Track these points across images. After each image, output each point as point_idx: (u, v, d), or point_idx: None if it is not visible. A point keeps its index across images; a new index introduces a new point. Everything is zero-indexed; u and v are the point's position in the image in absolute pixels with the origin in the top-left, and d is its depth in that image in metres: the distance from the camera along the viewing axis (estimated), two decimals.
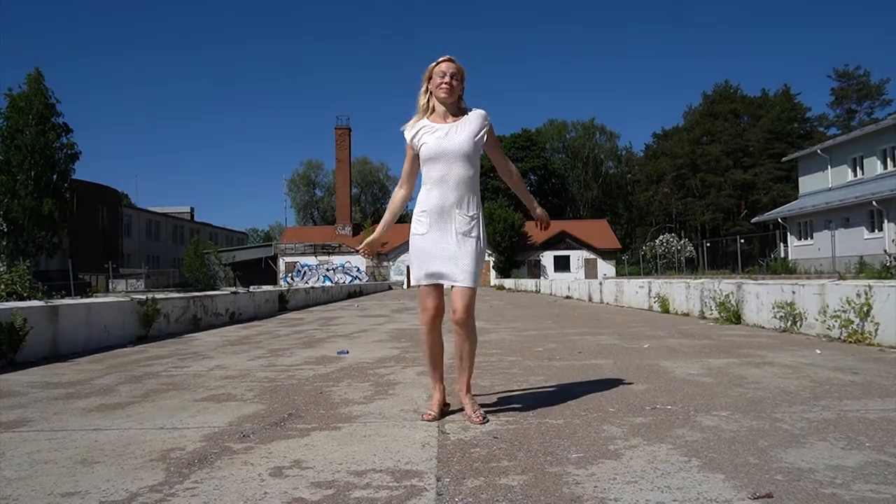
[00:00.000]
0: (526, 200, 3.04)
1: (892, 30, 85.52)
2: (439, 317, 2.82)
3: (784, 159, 36.87)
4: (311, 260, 50.77)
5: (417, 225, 2.81)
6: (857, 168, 27.03)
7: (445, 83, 2.74)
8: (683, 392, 3.38)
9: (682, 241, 44.09)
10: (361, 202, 76.45)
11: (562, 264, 49.31)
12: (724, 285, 8.25)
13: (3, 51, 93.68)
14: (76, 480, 2.06)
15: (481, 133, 2.77)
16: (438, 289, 2.79)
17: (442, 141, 2.74)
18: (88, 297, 14.01)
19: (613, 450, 2.30)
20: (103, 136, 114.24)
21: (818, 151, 29.43)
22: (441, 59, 2.80)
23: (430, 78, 2.81)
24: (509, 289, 32.73)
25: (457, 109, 2.83)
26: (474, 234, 2.75)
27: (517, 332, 7.34)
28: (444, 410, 2.92)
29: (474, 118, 2.79)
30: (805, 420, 2.69)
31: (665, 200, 60.80)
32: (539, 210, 3.02)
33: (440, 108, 2.81)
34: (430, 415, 2.83)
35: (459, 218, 2.73)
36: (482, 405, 3.11)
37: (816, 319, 6.09)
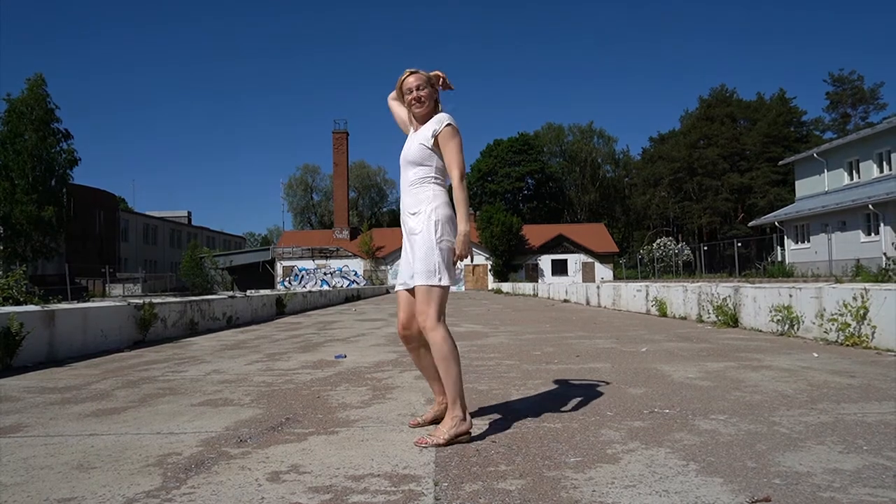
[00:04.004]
0: (457, 214, 2.65)
1: (885, 34, 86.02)
2: (410, 328, 2.71)
3: (781, 163, 36.95)
4: (308, 264, 50.70)
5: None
6: (854, 171, 27.13)
7: (414, 99, 2.73)
8: (681, 396, 3.38)
9: (679, 245, 44.12)
10: (359, 206, 76.34)
11: (559, 268, 49.32)
12: (722, 289, 8.26)
13: (3, 54, 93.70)
14: (72, 486, 2.05)
15: (431, 137, 2.67)
16: (406, 297, 2.71)
17: (403, 150, 2.78)
18: (85, 301, 13.98)
19: (611, 454, 2.30)
20: (101, 140, 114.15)
21: (814, 155, 29.52)
22: (404, 74, 2.77)
23: (402, 94, 2.80)
24: (507, 292, 32.73)
25: (431, 116, 2.79)
26: (419, 229, 2.62)
27: (515, 335, 7.34)
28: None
29: (430, 122, 2.72)
30: (803, 423, 2.69)
31: (662, 204, 60.93)
32: (459, 234, 2.61)
33: (415, 121, 2.81)
34: (415, 420, 2.81)
35: (411, 220, 2.68)
36: (481, 408, 3.11)
37: (813, 323, 6.10)
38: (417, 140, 2.71)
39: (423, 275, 2.57)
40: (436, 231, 2.60)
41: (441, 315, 2.57)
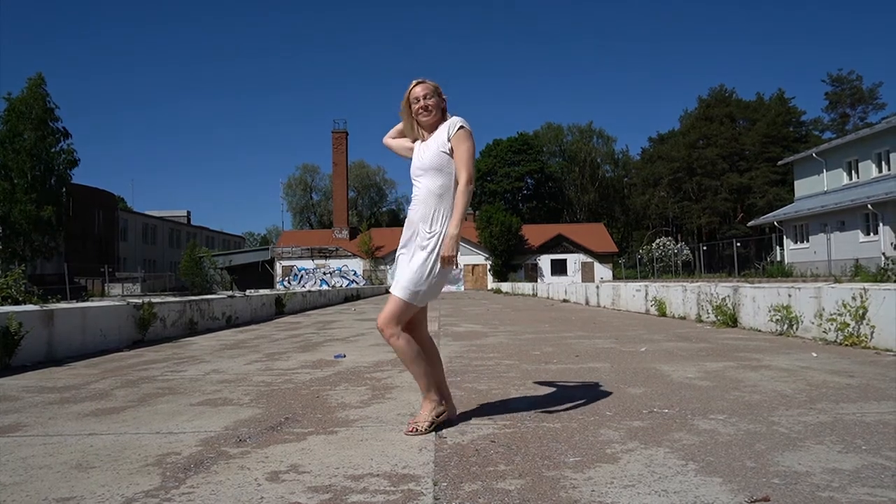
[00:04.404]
0: (453, 214, 2.66)
1: (884, 34, 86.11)
2: (409, 331, 2.70)
3: (780, 163, 36.96)
4: (308, 263, 50.69)
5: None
6: (853, 171, 27.15)
7: (422, 108, 2.74)
8: (680, 396, 3.38)
9: (678, 245, 44.15)
10: (358, 206, 76.31)
11: (559, 268, 49.33)
12: (721, 289, 8.26)
13: (3, 54, 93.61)
14: (71, 486, 2.04)
15: (447, 141, 2.67)
16: None
17: (415, 159, 2.78)
18: (84, 301, 13.97)
19: (611, 454, 2.30)
20: (100, 139, 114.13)
21: (813, 155, 29.55)
22: (412, 84, 2.78)
23: (409, 104, 2.78)
24: (506, 292, 32.74)
25: (439, 125, 2.78)
26: (430, 248, 2.62)
27: (514, 335, 7.34)
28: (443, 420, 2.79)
29: (443, 127, 2.73)
30: (802, 423, 2.69)
31: (661, 204, 60.93)
32: (447, 236, 2.61)
33: (423, 131, 2.80)
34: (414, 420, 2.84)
35: (421, 233, 2.66)
36: (480, 408, 3.11)
37: (812, 323, 6.10)
38: (434, 146, 2.70)
39: (405, 288, 2.61)
40: (434, 256, 2.62)
41: (401, 323, 2.64)
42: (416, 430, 2.61)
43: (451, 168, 2.68)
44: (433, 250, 2.62)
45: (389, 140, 3.04)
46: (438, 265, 2.62)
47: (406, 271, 2.64)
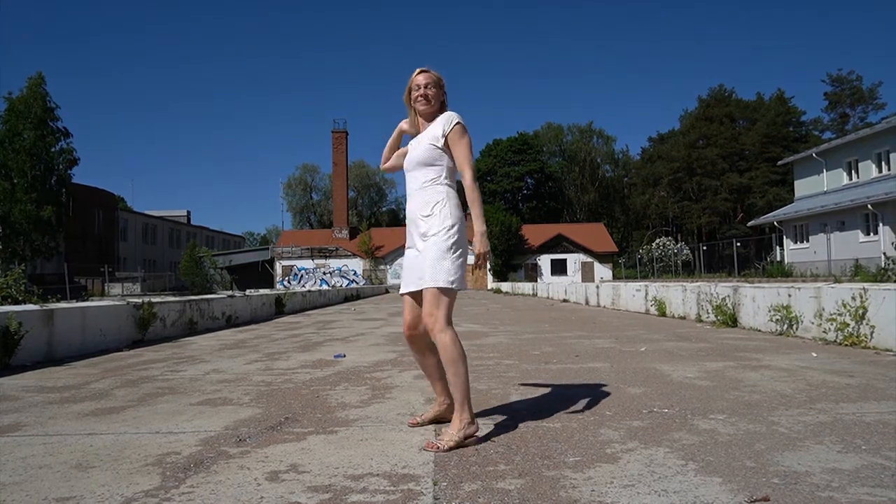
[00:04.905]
0: (472, 214, 2.65)
1: (884, 34, 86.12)
2: (416, 329, 2.68)
3: (780, 163, 36.96)
4: (308, 263, 50.68)
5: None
6: (853, 171, 27.15)
7: (421, 95, 2.73)
8: (680, 395, 3.38)
9: (678, 245, 44.15)
10: (358, 205, 76.28)
11: (558, 268, 49.32)
12: (721, 289, 8.26)
13: (3, 54, 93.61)
14: (71, 485, 2.04)
15: (441, 136, 2.65)
16: (411, 300, 2.71)
17: (409, 154, 2.77)
18: (84, 300, 13.97)
19: (610, 453, 2.30)
20: (100, 139, 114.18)
21: (813, 155, 29.55)
22: (415, 72, 2.77)
23: (410, 92, 2.78)
24: (506, 292, 32.74)
25: (436, 116, 2.79)
26: (433, 230, 2.58)
27: (514, 335, 7.34)
28: (442, 422, 2.77)
29: (438, 121, 2.72)
30: (801, 423, 2.69)
31: (661, 204, 60.95)
32: (477, 234, 2.60)
33: (421, 120, 2.80)
34: (414, 420, 2.81)
35: (423, 222, 2.64)
36: (480, 408, 3.11)
37: (812, 323, 6.10)
38: (426, 140, 2.69)
39: (434, 278, 2.53)
40: (449, 234, 2.57)
41: (450, 318, 2.55)
42: (437, 448, 2.38)
43: (443, 161, 2.67)
44: (437, 233, 2.57)
45: (386, 164, 3.07)
46: (449, 241, 2.56)
47: (424, 264, 2.58)
